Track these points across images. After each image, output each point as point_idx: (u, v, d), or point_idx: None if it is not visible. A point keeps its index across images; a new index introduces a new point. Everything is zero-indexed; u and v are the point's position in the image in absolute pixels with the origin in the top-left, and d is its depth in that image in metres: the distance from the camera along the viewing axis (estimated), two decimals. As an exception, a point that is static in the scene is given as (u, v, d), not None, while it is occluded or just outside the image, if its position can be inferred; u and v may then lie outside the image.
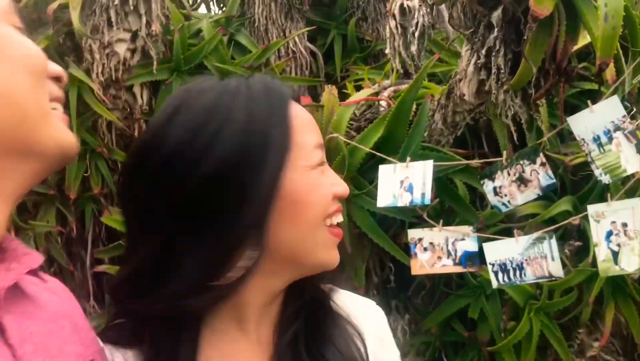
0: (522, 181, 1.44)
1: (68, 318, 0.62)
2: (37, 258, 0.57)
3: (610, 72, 1.23)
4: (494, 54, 1.35)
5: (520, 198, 1.46)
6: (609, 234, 1.36)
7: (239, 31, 2.18)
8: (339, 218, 0.74)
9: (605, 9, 1.15)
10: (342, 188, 0.75)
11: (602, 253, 1.37)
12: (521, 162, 1.43)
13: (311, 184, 0.69)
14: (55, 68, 0.58)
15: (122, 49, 1.93)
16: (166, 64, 1.99)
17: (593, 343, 1.83)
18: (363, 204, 1.68)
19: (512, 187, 1.45)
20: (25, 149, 0.52)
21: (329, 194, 0.72)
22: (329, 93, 1.74)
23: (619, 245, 1.35)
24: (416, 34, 1.86)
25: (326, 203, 0.71)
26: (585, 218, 1.39)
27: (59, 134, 0.56)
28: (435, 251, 1.51)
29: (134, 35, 1.94)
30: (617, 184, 1.51)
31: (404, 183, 1.52)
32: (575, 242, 1.81)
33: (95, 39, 1.89)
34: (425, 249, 1.52)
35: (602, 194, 1.72)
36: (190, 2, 2.50)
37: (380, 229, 1.69)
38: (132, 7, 1.90)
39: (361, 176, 1.71)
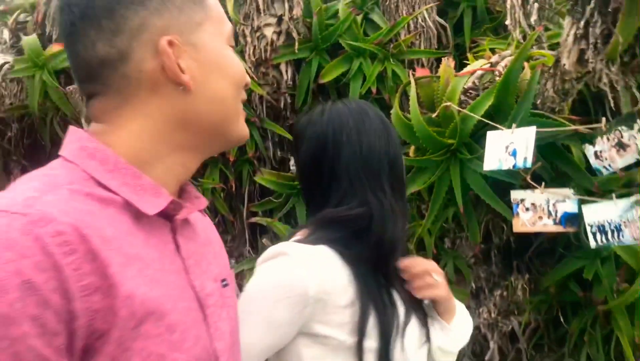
0: (621, 146, 1.50)
1: (212, 245, 0.83)
2: (204, 202, 0.78)
3: None
4: (591, 25, 1.42)
5: (620, 162, 1.51)
6: None
7: (373, 10, 2.38)
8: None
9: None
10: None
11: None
12: (619, 128, 1.49)
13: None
14: (247, 79, 0.76)
15: (269, 32, 2.24)
16: (306, 44, 2.26)
17: None
18: (475, 167, 1.82)
19: (612, 151, 1.51)
20: (221, 136, 0.72)
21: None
22: (445, 65, 1.89)
23: None
24: (535, 5, 1.93)
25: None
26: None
27: (242, 129, 0.74)
28: (536, 211, 1.63)
29: (279, 20, 2.24)
30: None
31: (508, 148, 1.64)
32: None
33: (246, 24, 2.22)
34: (527, 209, 1.64)
35: None
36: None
37: (491, 190, 1.83)
38: (275, -5, 2.20)
39: (475, 142, 1.85)
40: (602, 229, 1.55)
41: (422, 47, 2.35)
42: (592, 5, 1.40)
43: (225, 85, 0.69)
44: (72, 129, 0.68)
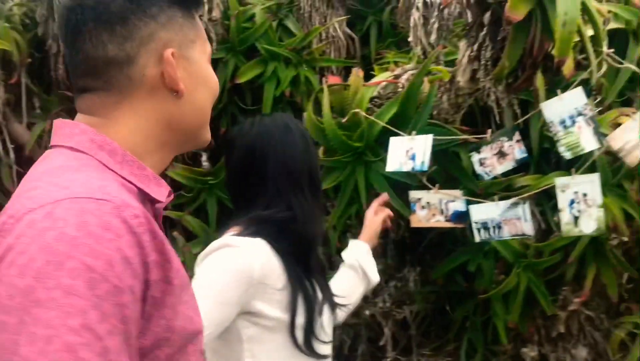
0: (501, 154, 1.74)
1: None
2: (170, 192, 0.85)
3: (567, 68, 1.51)
4: (483, 48, 1.64)
5: (499, 168, 1.76)
6: (572, 202, 1.66)
7: (287, 17, 2.52)
8: None
9: (564, 17, 1.43)
10: None
11: (565, 217, 1.66)
12: (501, 139, 1.73)
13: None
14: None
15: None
16: (224, 45, 2.36)
17: (575, 299, 2.11)
18: (378, 169, 2.01)
19: (494, 159, 1.75)
20: (195, 138, 0.81)
21: None
22: (355, 75, 2.07)
23: (579, 211, 1.64)
24: (435, 25, 2.15)
25: None
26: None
27: (208, 134, 0.83)
28: (431, 209, 1.84)
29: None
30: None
31: (408, 152, 1.84)
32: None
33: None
34: (423, 207, 1.85)
35: (592, 168, 1.99)
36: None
37: (392, 190, 2.02)
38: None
39: (379, 146, 2.04)
40: (485, 226, 1.78)
41: (333, 56, 2.52)
42: (484, 32, 1.62)
43: (207, 96, 0.79)
44: (68, 121, 0.74)
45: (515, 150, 1.72)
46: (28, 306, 0.54)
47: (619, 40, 2.33)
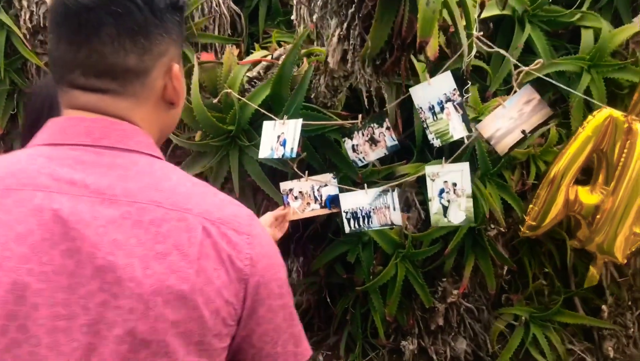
0: (373, 141, 1.65)
1: None
2: None
3: (431, 50, 1.43)
4: (352, 27, 1.54)
5: (372, 155, 1.67)
6: (442, 191, 1.59)
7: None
8: None
9: (428, -5, 1.34)
10: None
11: (434, 206, 1.59)
12: (372, 125, 1.64)
13: None
14: None
15: (50, -2, 2.09)
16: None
17: (454, 290, 2.08)
18: (253, 155, 1.88)
19: (366, 146, 1.66)
20: (165, 136, 0.84)
21: None
22: (229, 52, 1.93)
23: (448, 201, 1.58)
24: (319, 4, 2.03)
25: None
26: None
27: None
28: (304, 198, 1.73)
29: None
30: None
31: (280, 138, 1.73)
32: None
33: (24, -13, 2.05)
34: (296, 198, 1.74)
35: (471, 157, 1.94)
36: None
37: (266, 178, 1.91)
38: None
39: (255, 130, 1.91)
40: (355, 215, 1.69)
41: (217, 34, 2.36)
42: (352, 9, 1.51)
43: (182, 105, 0.83)
44: (136, 128, 0.76)
45: (386, 137, 1.63)
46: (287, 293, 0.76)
47: (505, 27, 2.31)
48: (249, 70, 2.01)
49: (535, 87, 1.55)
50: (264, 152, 1.74)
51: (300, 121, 1.68)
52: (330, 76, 1.79)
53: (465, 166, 1.56)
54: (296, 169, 1.73)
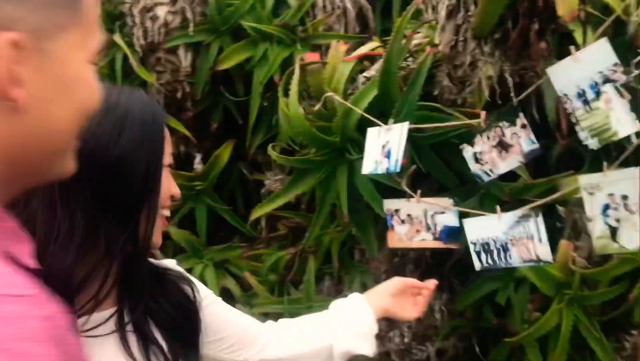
0: (502, 146, 1.20)
1: None
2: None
3: (566, 5, 0.94)
4: (463, -7, 1.13)
5: (503, 166, 1.22)
6: (606, 207, 1.09)
7: (288, -11, 2.11)
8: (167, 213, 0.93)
9: None
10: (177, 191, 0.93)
11: (597, 228, 1.10)
12: (500, 124, 1.19)
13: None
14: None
15: (162, 12, 1.99)
16: (203, 26, 2.00)
17: (649, 347, 1.49)
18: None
19: (493, 153, 1.22)
20: (41, 172, 0.56)
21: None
22: (334, 49, 1.61)
23: (618, 220, 1.08)
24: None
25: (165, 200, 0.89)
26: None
27: (66, 166, 0.58)
28: (413, 223, 1.34)
29: (173, -2, 1.98)
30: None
31: (385, 147, 1.36)
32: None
33: (135, 3, 1.97)
34: (402, 221, 1.35)
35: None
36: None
37: (379, 195, 1.54)
38: (169, -31, 1.94)
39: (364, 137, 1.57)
40: (486, 248, 1.26)
41: (343, 32, 2.07)
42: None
43: (69, 113, 0.54)
44: None
45: (522, 140, 1.18)
46: None
47: None
48: (362, 69, 1.68)
49: None
50: (367, 166, 1.40)
51: (406, 125, 1.30)
52: (451, 65, 1.38)
53: (637, 172, 1.05)
54: (405, 186, 1.35)
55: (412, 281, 1.21)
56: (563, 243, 1.38)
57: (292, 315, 1.21)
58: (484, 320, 1.73)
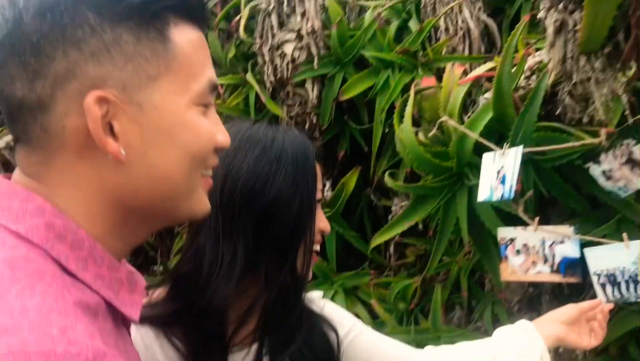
0: (633, 162, 1.09)
1: None
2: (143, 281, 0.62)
3: None
4: (570, 5, 1.07)
5: (638, 181, 1.11)
6: None
7: (412, 16, 2.11)
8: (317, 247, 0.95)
9: None
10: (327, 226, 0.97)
11: None
12: (625, 142, 1.09)
13: None
14: (220, 141, 0.60)
15: (289, 48, 2.09)
16: (328, 59, 2.07)
17: None
18: (482, 195, 1.47)
19: (624, 169, 1.11)
20: (167, 215, 0.58)
21: None
22: (449, 72, 1.58)
23: None
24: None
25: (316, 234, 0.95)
26: None
27: (197, 205, 0.60)
28: (529, 254, 1.25)
29: (299, 35, 2.07)
30: None
31: (500, 173, 1.30)
32: None
33: (264, 42, 2.09)
34: (518, 252, 1.27)
35: None
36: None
37: (501, 222, 1.46)
38: (292, 8, 2.04)
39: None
40: (612, 280, 1.14)
41: (467, 53, 2.02)
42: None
43: (175, 158, 0.55)
44: (18, 188, 0.53)
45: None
46: None
47: None
48: (486, 90, 1.62)
49: None
50: (483, 193, 1.34)
51: (520, 149, 1.23)
52: (569, 81, 1.29)
53: None
54: (522, 213, 1.27)
55: (587, 305, 1.12)
56: None
57: (419, 345, 1.18)
58: (629, 357, 1.55)
